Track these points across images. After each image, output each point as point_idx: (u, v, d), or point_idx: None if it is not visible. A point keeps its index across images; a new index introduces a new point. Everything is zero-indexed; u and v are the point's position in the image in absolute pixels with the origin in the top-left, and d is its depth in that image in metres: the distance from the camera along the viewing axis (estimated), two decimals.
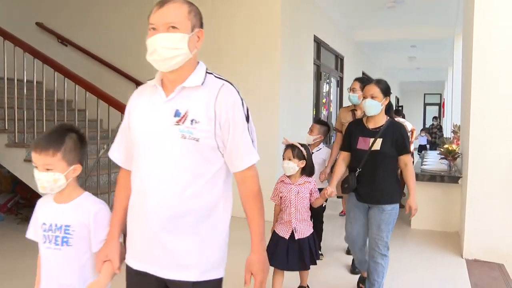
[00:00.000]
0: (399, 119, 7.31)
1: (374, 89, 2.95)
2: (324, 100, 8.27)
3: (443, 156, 5.50)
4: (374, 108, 2.95)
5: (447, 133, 11.69)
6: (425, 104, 23.15)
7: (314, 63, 7.22)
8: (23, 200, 5.71)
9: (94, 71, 6.11)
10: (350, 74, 9.38)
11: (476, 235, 4.16)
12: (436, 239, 4.86)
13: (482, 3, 4.12)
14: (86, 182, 4.39)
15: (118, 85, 5.98)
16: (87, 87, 4.40)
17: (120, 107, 4.20)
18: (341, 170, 3.12)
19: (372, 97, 2.94)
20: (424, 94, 23.06)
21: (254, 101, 5.86)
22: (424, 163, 6.26)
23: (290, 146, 2.96)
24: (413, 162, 6.56)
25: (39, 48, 4.72)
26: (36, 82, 4.63)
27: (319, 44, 7.47)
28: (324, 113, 8.29)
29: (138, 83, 6.02)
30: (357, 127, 3.09)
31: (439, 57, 13.29)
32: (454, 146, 5.51)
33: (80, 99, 4.47)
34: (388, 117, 3.05)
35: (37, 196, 5.15)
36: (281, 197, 2.97)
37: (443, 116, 16.09)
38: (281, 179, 3.01)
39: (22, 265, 3.73)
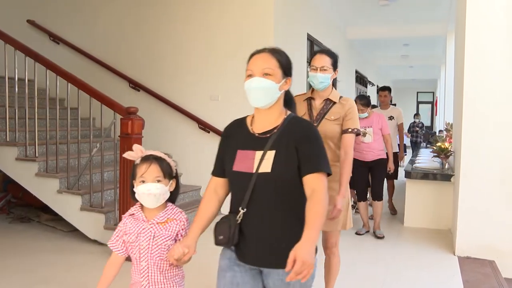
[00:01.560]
0: (392, 107, 6.35)
1: (271, 62, 1.74)
2: None
3: (435, 154, 5.53)
4: (265, 94, 1.75)
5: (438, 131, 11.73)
6: (418, 102, 23.27)
7: (307, 61, 7.23)
8: (14, 199, 5.66)
9: (87, 69, 6.07)
10: (342, 72, 9.38)
11: (468, 233, 4.19)
12: (429, 237, 4.89)
13: (474, 0, 4.14)
14: (79, 181, 4.38)
15: (110, 83, 5.96)
16: (79, 85, 4.36)
17: (113, 105, 4.17)
18: (208, 209, 1.81)
19: (265, 75, 1.73)
20: (417, 93, 23.19)
21: (246, 100, 5.87)
22: (416, 161, 6.29)
23: (156, 159, 1.83)
24: (401, 162, 6.51)
25: (30, 46, 4.68)
26: (28, 80, 4.60)
27: (312, 42, 7.47)
28: None
29: (131, 81, 6.00)
30: (235, 133, 1.83)
31: (431, 55, 13.39)
32: (446, 144, 5.54)
33: (72, 97, 4.45)
34: (289, 112, 1.81)
35: (29, 195, 5.12)
36: (126, 242, 1.88)
37: (436, 114, 16.17)
38: (131, 212, 1.91)
39: (14, 264, 3.69)
